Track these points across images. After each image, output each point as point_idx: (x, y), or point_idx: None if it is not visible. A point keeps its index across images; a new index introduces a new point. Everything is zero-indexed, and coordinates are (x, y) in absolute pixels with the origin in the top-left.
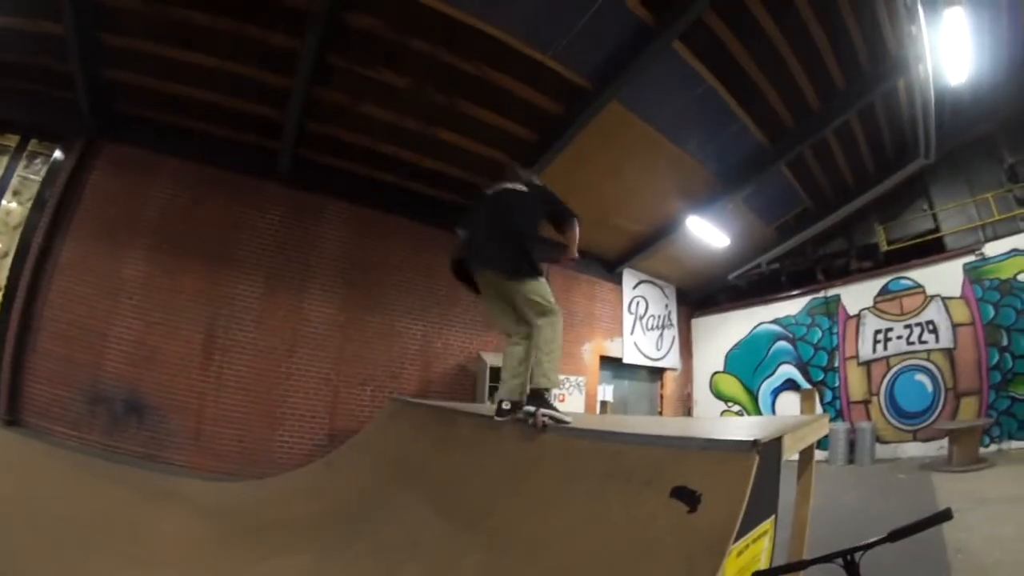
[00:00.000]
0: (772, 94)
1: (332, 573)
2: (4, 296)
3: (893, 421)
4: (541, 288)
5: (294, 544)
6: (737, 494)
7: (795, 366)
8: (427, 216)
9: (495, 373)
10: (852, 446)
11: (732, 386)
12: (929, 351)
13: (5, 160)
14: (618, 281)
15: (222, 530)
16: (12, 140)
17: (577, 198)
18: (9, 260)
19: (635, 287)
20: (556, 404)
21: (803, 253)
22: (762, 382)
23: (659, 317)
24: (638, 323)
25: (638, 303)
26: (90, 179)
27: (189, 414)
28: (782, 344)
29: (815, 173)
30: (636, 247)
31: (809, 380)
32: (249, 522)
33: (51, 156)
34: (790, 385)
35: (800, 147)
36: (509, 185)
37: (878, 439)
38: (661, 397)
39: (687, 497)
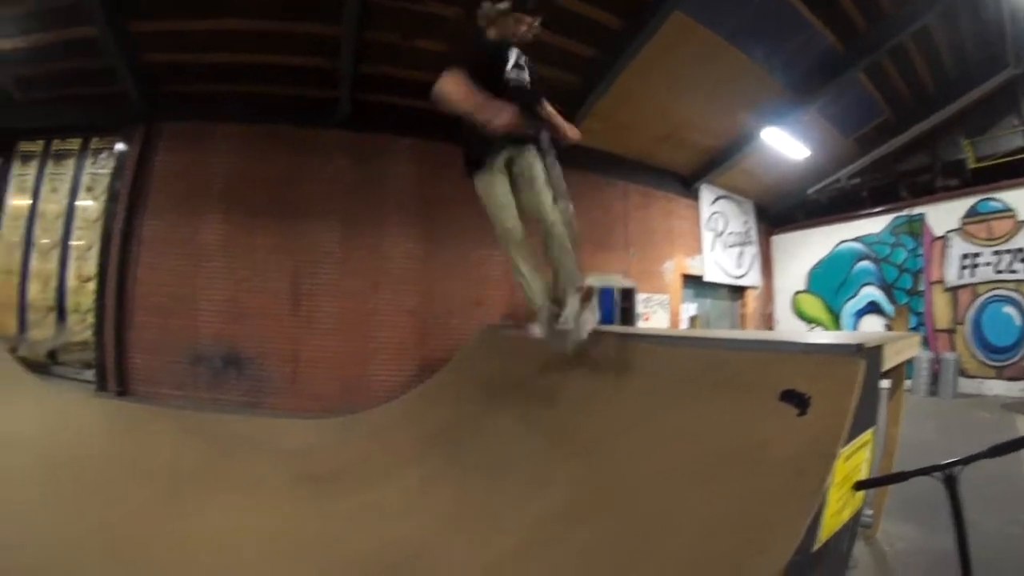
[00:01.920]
0: None
1: (438, 494)
2: (98, 284)
3: (978, 355)
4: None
5: (395, 471)
6: (845, 398)
7: (879, 288)
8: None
9: None
10: (935, 377)
11: (814, 306)
12: (1019, 282)
13: (72, 162)
14: (695, 197)
15: (325, 464)
16: (75, 143)
17: (645, 114)
18: (95, 251)
19: (713, 203)
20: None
21: (885, 168)
22: (845, 303)
23: (739, 234)
24: (718, 240)
25: (717, 219)
26: (155, 161)
27: (284, 360)
28: (865, 264)
29: (894, 82)
30: (711, 162)
31: (894, 303)
32: (351, 454)
33: (114, 148)
34: (873, 308)
35: (876, 53)
36: None
37: (962, 372)
38: (742, 316)
39: (796, 400)
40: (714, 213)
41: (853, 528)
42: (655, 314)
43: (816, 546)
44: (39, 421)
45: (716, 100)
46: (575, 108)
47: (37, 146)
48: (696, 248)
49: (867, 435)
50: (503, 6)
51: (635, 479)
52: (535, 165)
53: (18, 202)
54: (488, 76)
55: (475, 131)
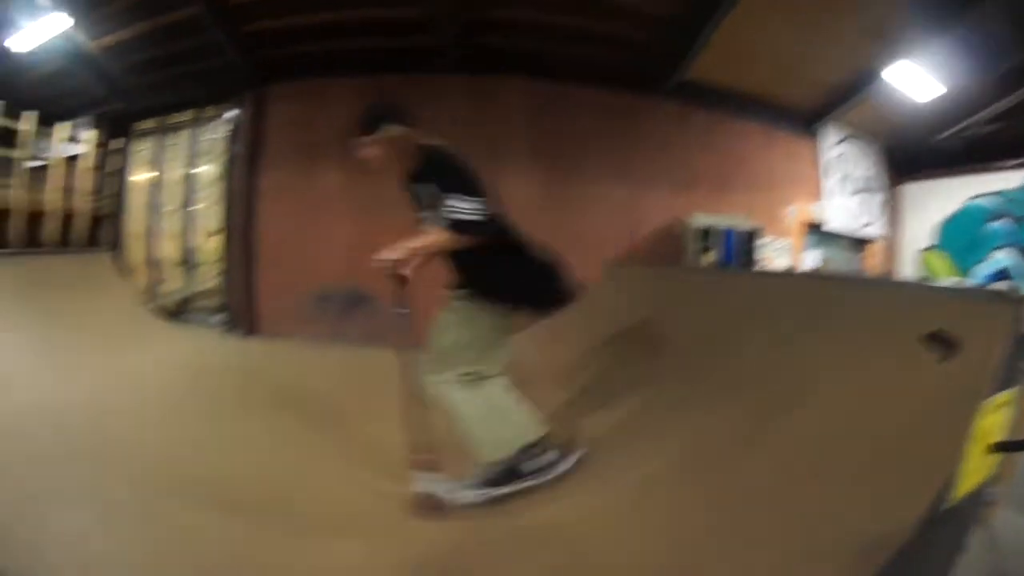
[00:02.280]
0: None
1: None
2: (224, 236)
3: None
4: None
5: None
6: (992, 347)
7: (1016, 251)
8: (607, 80)
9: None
10: None
11: (942, 265)
12: None
13: (187, 133)
14: (817, 138)
15: None
16: (188, 115)
17: (763, 46)
18: (218, 209)
19: (836, 145)
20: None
21: None
22: (974, 266)
23: (864, 180)
24: (841, 186)
25: (840, 163)
26: (267, 121)
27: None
28: (1001, 224)
29: None
30: (835, 100)
31: None
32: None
33: (226, 115)
34: (1005, 274)
35: None
36: None
37: None
38: (864, 269)
39: (942, 344)
40: (838, 156)
41: (981, 497)
42: (774, 261)
43: (947, 505)
44: (179, 360)
45: (840, 30)
46: (688, 41)
47: (153, 123)
48: (817, 193)
49: (1010, 394)
50: None
51: (787, 424)
52: None
53: (140, 175)
54: None
55: None
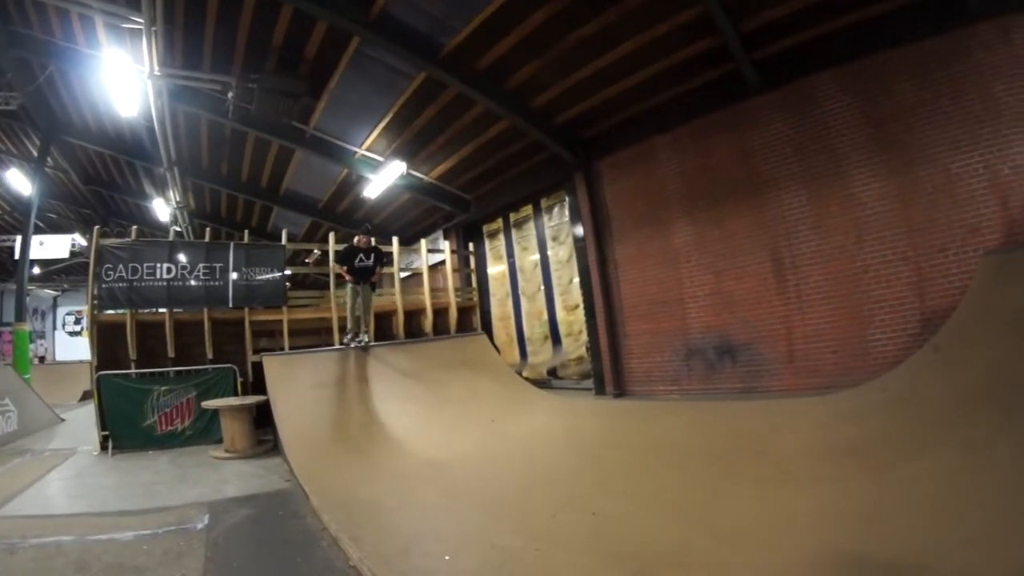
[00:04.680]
0: None
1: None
2: (585, 307)
3: None
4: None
5: (926, 439)
6: None
7: None
8: (918, 30)
9: None
10: None
11: None
12: None
13: (531, 224)
14: None
15: (850, 439)
16: (527, 210)
17: None
18: (575, 284)
19: None
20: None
21: None
22: None
23: None
24: None
25: None
26: (604, 194)
27: (778, 340)
28: None
29: None
30: None
31: None
32: (872, 427)
33: (564, 200)
34: None
35: None
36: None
37: None
38: None
39: None
40: None
41: None
42: None
43: None
44: (568, 418)
45: None
46: None
47: (498, 224)
48: None
49: None
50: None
51: None
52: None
53: (496, 268)
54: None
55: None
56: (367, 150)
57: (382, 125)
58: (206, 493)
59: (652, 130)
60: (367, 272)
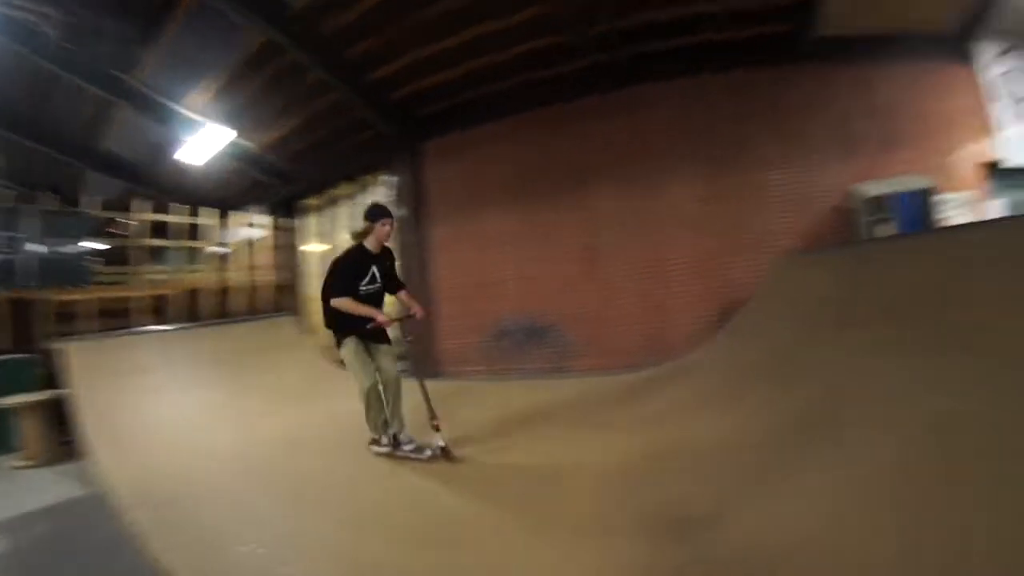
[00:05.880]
0: None
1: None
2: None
3: None
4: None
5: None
6: None
7: None
8: (733, 62)
9: (873, 207)
10: None
11: None
12: None
13: (352, 201)
14: (971, 60)
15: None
16: (350, 188)
17: None
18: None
19: (997, 60)
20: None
21: None
22: None
23: None
24: (1013, 109)
25: (1007, 82)
26: (427, 177)
27: (584, 323)
28: None
29: None
30: (980, 8)
31: None
32: (665, 395)
33: (390, 180)
34: None
35: None
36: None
37: None
38: None
39: None
40: (1003, 73)
41: None
42: (956, 218)
43: None
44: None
45: None
46: None
47: (319, 200)
48: (988, 127)
49: None
50: (367, 226)
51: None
52: (389, 353)
53: (318, 246)
54: (361, 280)
55: (339, 316)
56: (196, 112)
57: (215, 86)
58: None
59: (485, 117)
60: (379, 297)
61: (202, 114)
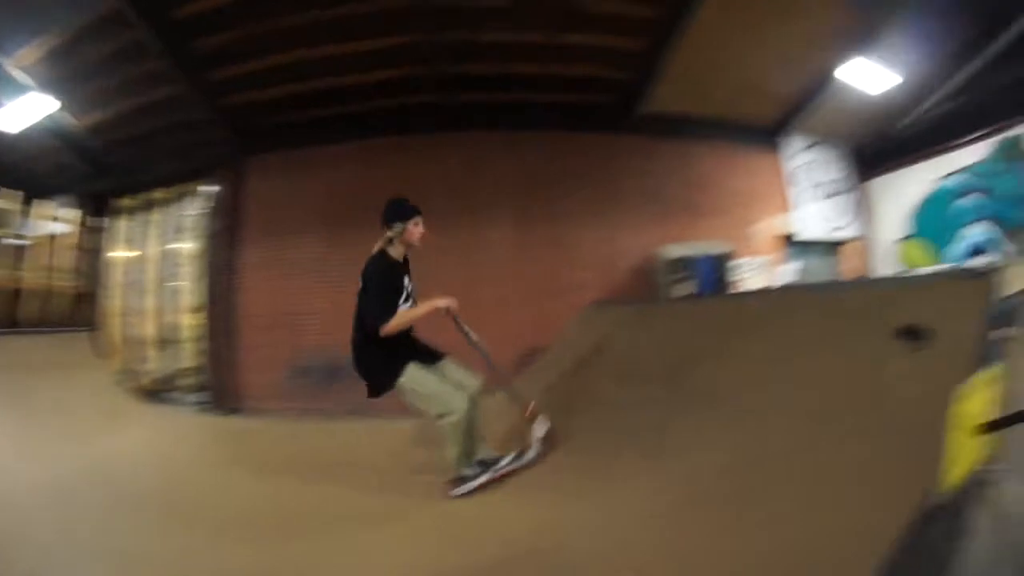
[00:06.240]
0: None
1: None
2: (206, 312)
3: None
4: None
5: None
6: (966, 328)
7: (990, 222)
8: (574, 123)
9: (675, 267)
10: None
11: (919, 253)
12: None
13: (168, 209)
14: (779, 150)
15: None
16: (169, 192)
17: (718, 68)
18: (199, 285)
19: (801, 154)
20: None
21: (983, 85)
22: (954, 245)
23: (832, 183)
24: (811, 193)
25: (808, 171)
26: (248, 195)
27: None
28: (972, 199)
29: None
30: (792, 108)
31: (1010, 237)
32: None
33: (206, 191)
34: (985, 246)
35: None
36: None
37: None
38: (842, 273)
39: (912, 335)
40: (805, 163)
41: (977, 482)
42: (750, 281)
43: (939, 493)
44: (154, 441)
45: (787, 39)
46: (646, 74)
47: (134, 201)
48: (787, 205)
49: (992, 371)
50: (397, 228)
51: (762, 431)
52: (457, 364)
53: (121, 252)
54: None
55: (389, 346)
56: (20, 68)
57: (48, 46)
58: None
59: (312, 140)
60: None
61: (27, 74)
